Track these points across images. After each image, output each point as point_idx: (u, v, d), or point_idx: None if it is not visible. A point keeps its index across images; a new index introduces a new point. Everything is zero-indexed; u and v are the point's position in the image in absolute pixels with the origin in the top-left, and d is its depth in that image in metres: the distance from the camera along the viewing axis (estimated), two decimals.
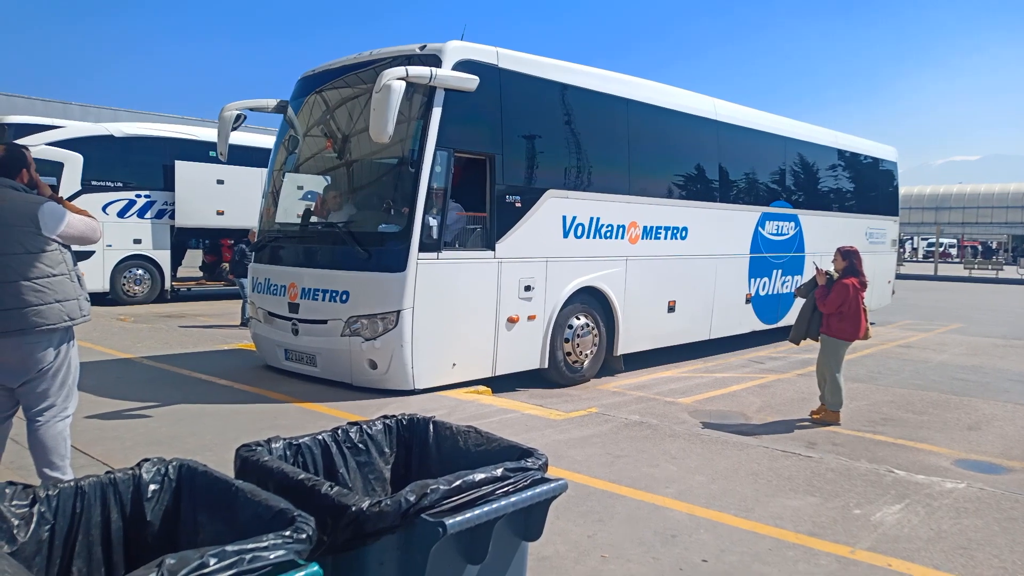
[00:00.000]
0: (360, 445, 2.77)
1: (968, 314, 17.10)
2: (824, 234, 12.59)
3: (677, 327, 9.84)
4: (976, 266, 36.16)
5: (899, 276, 16.15)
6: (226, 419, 6.19)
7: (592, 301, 8.50)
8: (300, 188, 8.56)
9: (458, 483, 2.20)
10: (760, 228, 11.24)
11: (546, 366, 8.02)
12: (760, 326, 11.60)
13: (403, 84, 6.22)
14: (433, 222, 6.81)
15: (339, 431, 2.75)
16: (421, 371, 6.97)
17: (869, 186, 14.54)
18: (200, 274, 18.13)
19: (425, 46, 7.03)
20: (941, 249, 43.85)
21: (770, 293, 11.67)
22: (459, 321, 7.18)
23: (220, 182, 15.78)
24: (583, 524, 4.12)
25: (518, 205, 7.57)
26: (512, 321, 7.58)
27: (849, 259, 6.93)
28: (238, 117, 8.00)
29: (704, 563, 3.68)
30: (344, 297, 6.98)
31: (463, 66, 6.99)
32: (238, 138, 17.27)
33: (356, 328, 6.91)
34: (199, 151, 15.86)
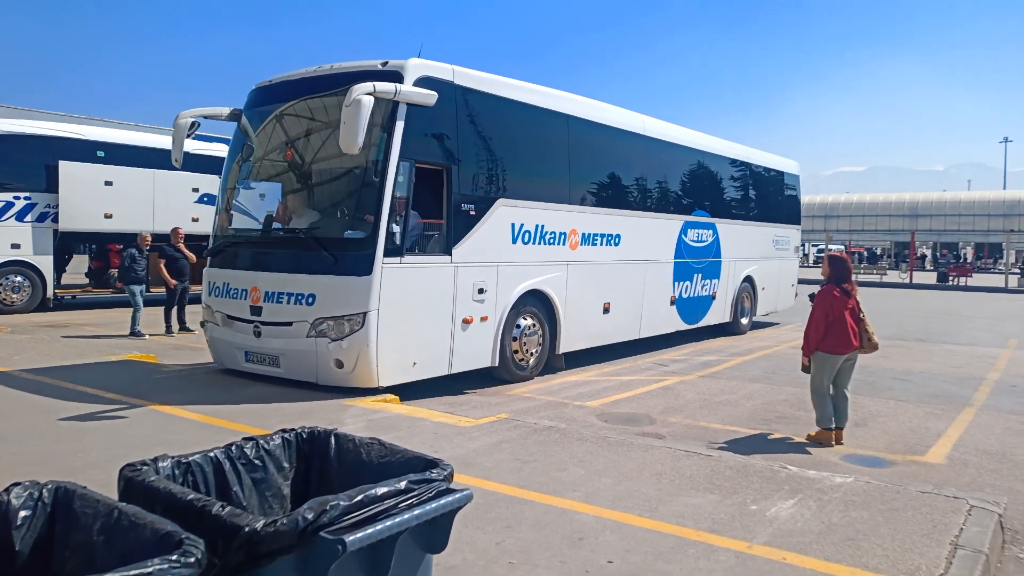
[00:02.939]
0: (256, 461, 2.64)
1: None
2: (738, 241, 13.64)
3: (611, 327, 10.48)
4: (862, 271, 38.57)
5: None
6: (114, 435, 5.83)
7: (537, 303, 9.00)
8: (259, 195, 8.58)
9: (359, 498, 2.12)
10: (683, 235, 12.03)
11: (496, 364, 8.46)
12: (683, 326, 12.35)
13: (372, 99, 6.53)
14: (396, 229, 7.13)
15: (233, 447, 2.62)
16: (385, 369, 7.25)
17: (776, 197, 15.75)
18: (86, 281, 17.09)
19: (387, 62, 7.36)
20: None
21: (692, 296, 12.46)
22: (419, 322, 7.51)
23: (108, 183, 14.94)
24: (491, 531, 4.10)
25: (472, 213, 7.99)
26: (467, 322, 7.97)
27: (834, 265, 6.60)
28: (192, 124, 8.19)
29: (610, 564, 3.73)
30: (310, 300, 7.20)
31: (422, 82, 7.36)
32: (130, 138, 16.45)
33: (322, 329, 7.16)
34: (86, 151, 14.98)
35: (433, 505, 2.27)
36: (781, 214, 15.77)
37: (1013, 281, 33.91)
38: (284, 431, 2.79)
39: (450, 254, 7.75)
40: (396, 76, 7.16)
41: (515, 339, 8.66)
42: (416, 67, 7.38)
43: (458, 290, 7.83)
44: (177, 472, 2.48)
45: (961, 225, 37.14)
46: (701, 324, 12.91)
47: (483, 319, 8.17)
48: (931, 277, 38.76)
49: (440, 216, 7.74)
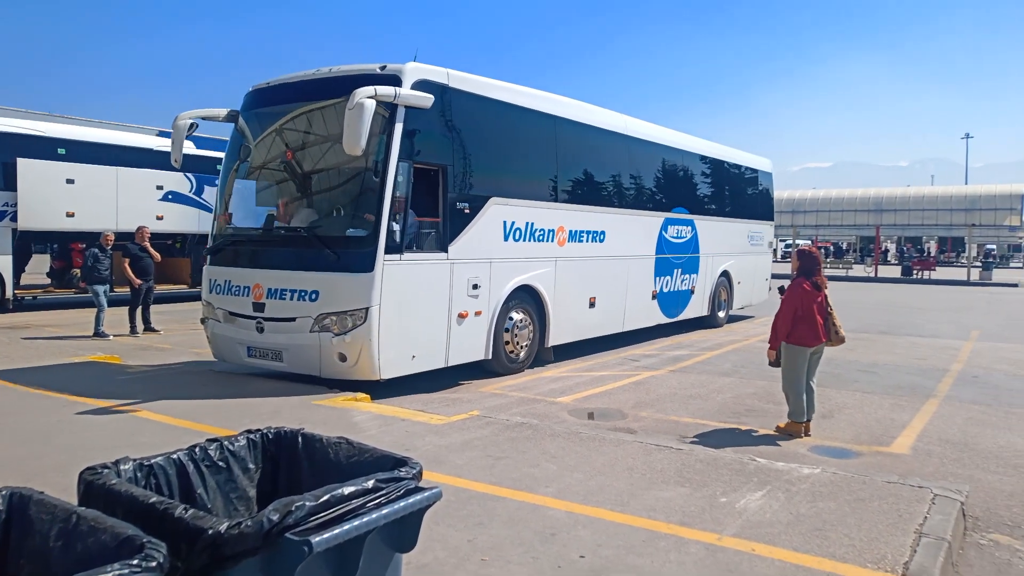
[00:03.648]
0: (220, 463, 2.59)
1: None
2: (716, 237, 14.07)
3: (597, 321, 10.82)
4: (828, 265, 39.08)
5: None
6: (77, 438, 5.70)
7: (527, 298, 9.30)
8: (258, 195, 8.69)
9: (326, 498, 2.09)
10: (663, 232, 12.41)
11: (490, 357, 8.71)
12: (664, 319, 12.73)
13: (374, 102, 6.78)
14: (396, 227, 7.36)
15: (196, 449, 2.57)
16: (386, 362, 7.43)
17: (751, 193, 16.26)
18: (48, 281, 16.71)
19: (385, 66, 7.58)
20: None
21: (672, 290, 12.87)
22: (418, 316, 7.74)
23: (70, 181, 14.62)
24: (463, 529, 4.08)
25: (466, 211, 8.26)
26: (462, 316, 8.22)
27: (803, 260, 6.68)
28: (191, 125, 8.43)
29: (581, 559, 3.74)
30: (313, 296, 7.40)
31: (419, 85, 7.58)
32: (92, 134, 16.11)
33: (326, 324, 7.35)
34: (46, 148, 14.63)
35: (401, 504, 2.25)
36: (755, 210, 16.28)
37: (975, 274, 34.70)
38: (249, 432, 2.75)
39: (446, 251, 8.00)
40: (394, 80, 7.37)
41: (507, 332, 8.97)
42: (413, 71, 7.61)
43: (454, 286, 8.07)
44: (139, 475, 2.43)
45: (925, 220, 37.78)
46: (681, 317, 13.30)
47: (477, 314, 8.42)
48: (896, 271, 39.49)
49: (436, 214, 7.99)
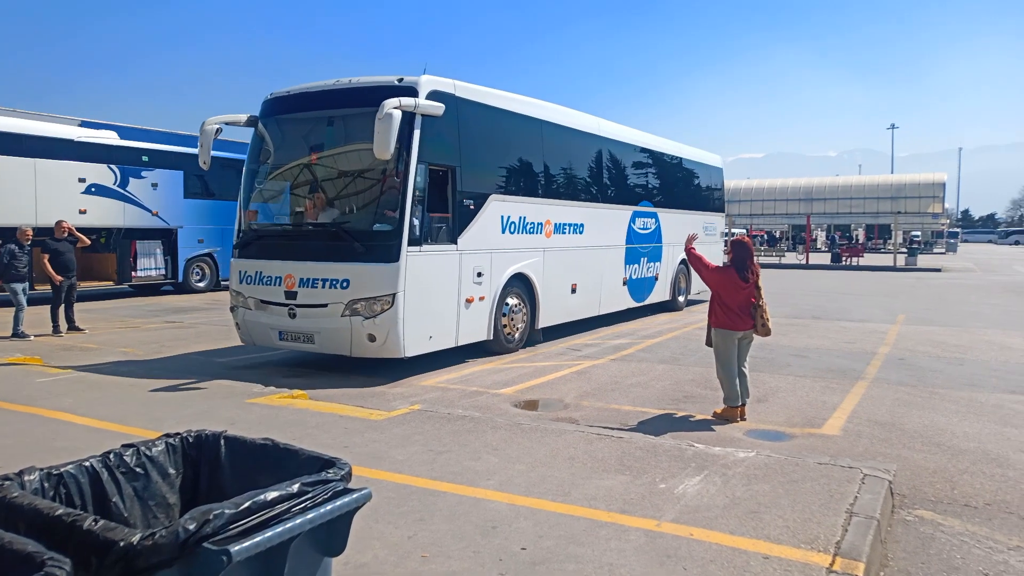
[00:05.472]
0: (137, 469, 2.45)
1: None
2: (676, 227, 15.25)
3: (578, 305, 11.95)
4: (762, 253, 40.10)
5: None
6: None
7: (520, 285, 10.26)
8: (285, 194, 9.26)
9: (247, 504, 1.99)
10: (632, 224, 13.62)
11: (491, 338, 9.67)
12: (633, 304, 13.93)
13: (400, 112, 7.56)
14: (416, 222, 8.17)
15: (111, 455, 2.41)
16: (410, 342, 8.22)
17: (705, 187, 17.52)
18: None
19: (402, 79, 8.38)
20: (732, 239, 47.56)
21: (640, 277, 14.08)
22: (433, 301, 8.58)
23: None
24: (403, 525, 4.01)
25: (472, 207, 9.18)
26: (469, 301, 9.12)
27: (735, 249, 6.86)
28: (217, 130, 9.00)
29: (523, 551, 3.71)
30: (344, 284, 8.11)
31: (432, 95, 8.41)
32: (5, 124, 15.26)
33: (356, 309, 8.06)
34: None
35: (328, 508, 2.16)
36: (709, 203, 17.58)
37: (901, 260, 36.12)
38: (168, 435, 2.60)
39: (456, 243, 8.88)
40: (411, 91, 8.17)
41: (504, 315, 9.87)
42: (427, 83, 8.43)
43: (462, 274, 8.97)
44: (47, 485, 2.28)
45: (853, 208, 39.04)
46: (647, 302, 14.47)
47: (481, 299, 9.34)
48: (826, 258, 40.81)
49: (446, 210, 8.79)
